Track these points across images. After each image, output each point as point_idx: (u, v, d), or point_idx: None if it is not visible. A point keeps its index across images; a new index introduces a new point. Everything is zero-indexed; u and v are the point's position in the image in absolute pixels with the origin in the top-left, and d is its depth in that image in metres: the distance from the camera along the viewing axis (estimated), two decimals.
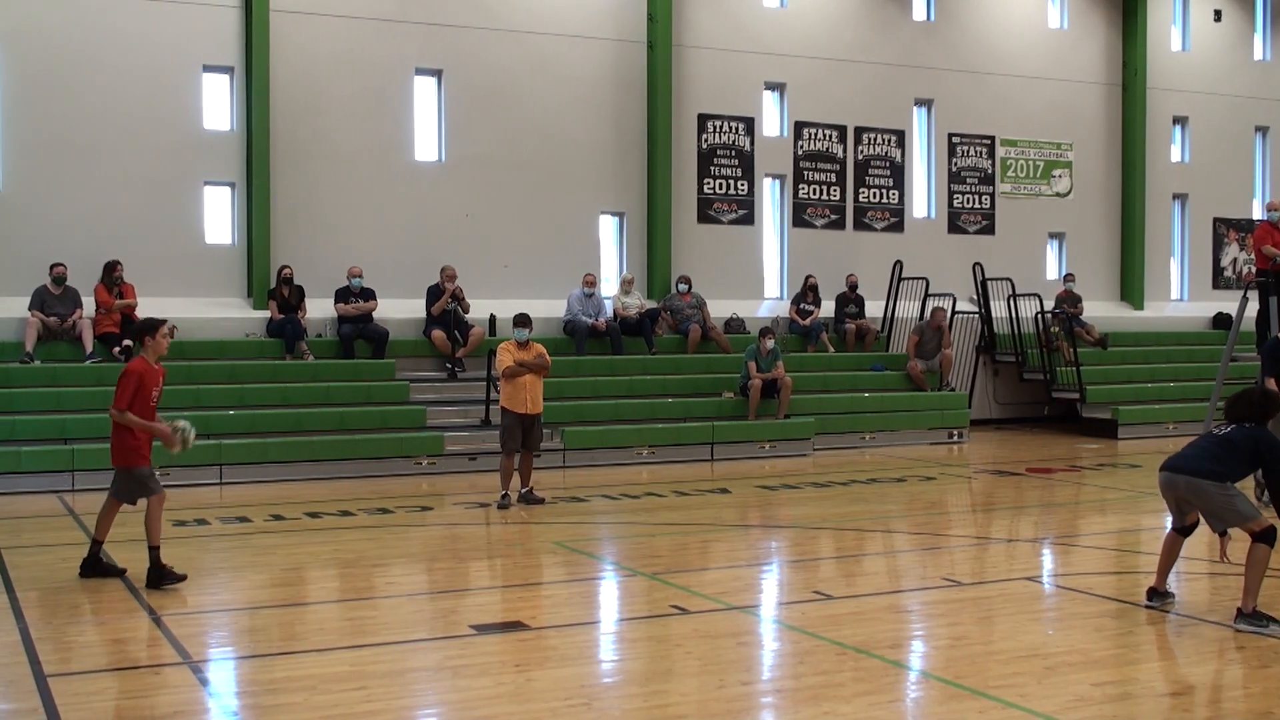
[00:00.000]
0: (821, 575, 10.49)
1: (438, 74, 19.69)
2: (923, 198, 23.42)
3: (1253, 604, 8.27)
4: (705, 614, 8.70)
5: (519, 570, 10.52)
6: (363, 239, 19.00)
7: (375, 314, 18.29)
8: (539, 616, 8.70)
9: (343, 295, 18.20)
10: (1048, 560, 11.34)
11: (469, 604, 8.91)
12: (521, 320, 13.85)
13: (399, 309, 18.68)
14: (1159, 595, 8.87)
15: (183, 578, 9.37)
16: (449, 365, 18.13)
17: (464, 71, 19.74)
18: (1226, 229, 26.20)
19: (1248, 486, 10.83)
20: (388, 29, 19.23)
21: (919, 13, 23.33)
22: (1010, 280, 22.24)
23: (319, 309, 18.31)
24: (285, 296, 17.95)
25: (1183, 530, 8.86)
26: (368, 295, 18.28)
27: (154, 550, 9.37)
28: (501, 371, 13.50)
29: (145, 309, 16.97)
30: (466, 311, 18.41)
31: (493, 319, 18.53)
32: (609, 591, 9.88)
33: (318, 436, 16.16)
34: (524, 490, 13.60)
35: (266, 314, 18.01)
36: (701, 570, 10.50)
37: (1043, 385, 21.99)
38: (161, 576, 9.30)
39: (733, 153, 21.51)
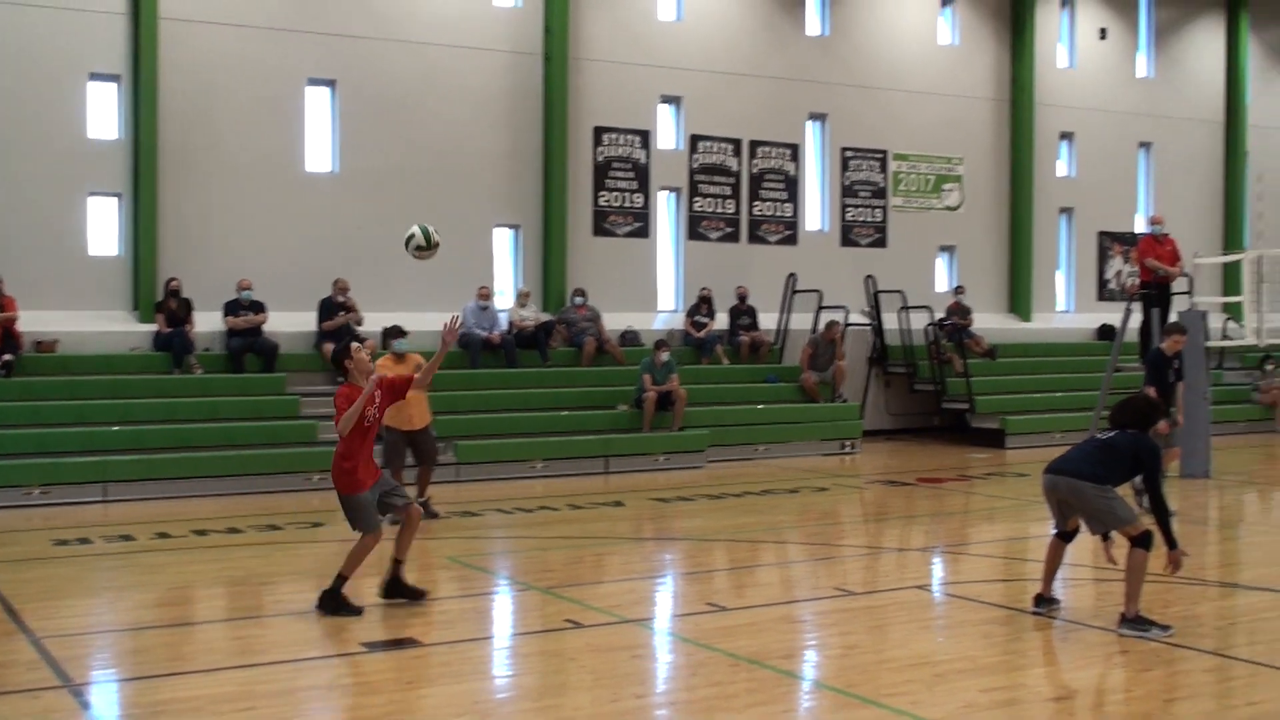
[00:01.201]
0: (715, 587, 10.52)
1: (331, 84, 19.48)
2: (816, 211, 23.64)
3: (1135, 609, 8.45)
4: (599, 628, 8.68)
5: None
6: (253, 251, 18.72)
7: (265, 327, 18.02)
8: (431, 633, 8.61)
9: (232, 308, 17.91)
10: (938, 569, 11.48)
11: (360, 621, 8.79)
12: (396, 332, 13.70)
13: (290, 322, 18.43)
14: (1045, 602, 9.02)
15: (359, 611, 8.94)
16: (340, 379, 17.86)
17: (358, 82, 19.55)
18: (1111, 242, 26.80)
19: (1127, 494, 11.06)
20: (280, 38, 18.99)
21: (813, 28, 23.57)
22: (902, 293, 22.54)
23: (207, 322, 17.99)
24: (173, 309, 17.62)
25: (1065, 535, 9.03)
26: (258, 308, 18.01)
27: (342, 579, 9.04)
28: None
29: (27, 322, 16.60)
30: (359, 324, 18.22)
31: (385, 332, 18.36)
32: (502, 606, 9.82)
33: (205, 452, 15.87)
34: (420, 502, 13.45)
35: (153, 327, 17.65)
36: (595, 584, 10.48)
37: (933, 396, 22.31)
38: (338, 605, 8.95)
39: (628, 165, 21.55)
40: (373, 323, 18.32)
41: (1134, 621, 8.42)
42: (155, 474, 15.25)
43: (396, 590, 9.27)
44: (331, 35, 19.29)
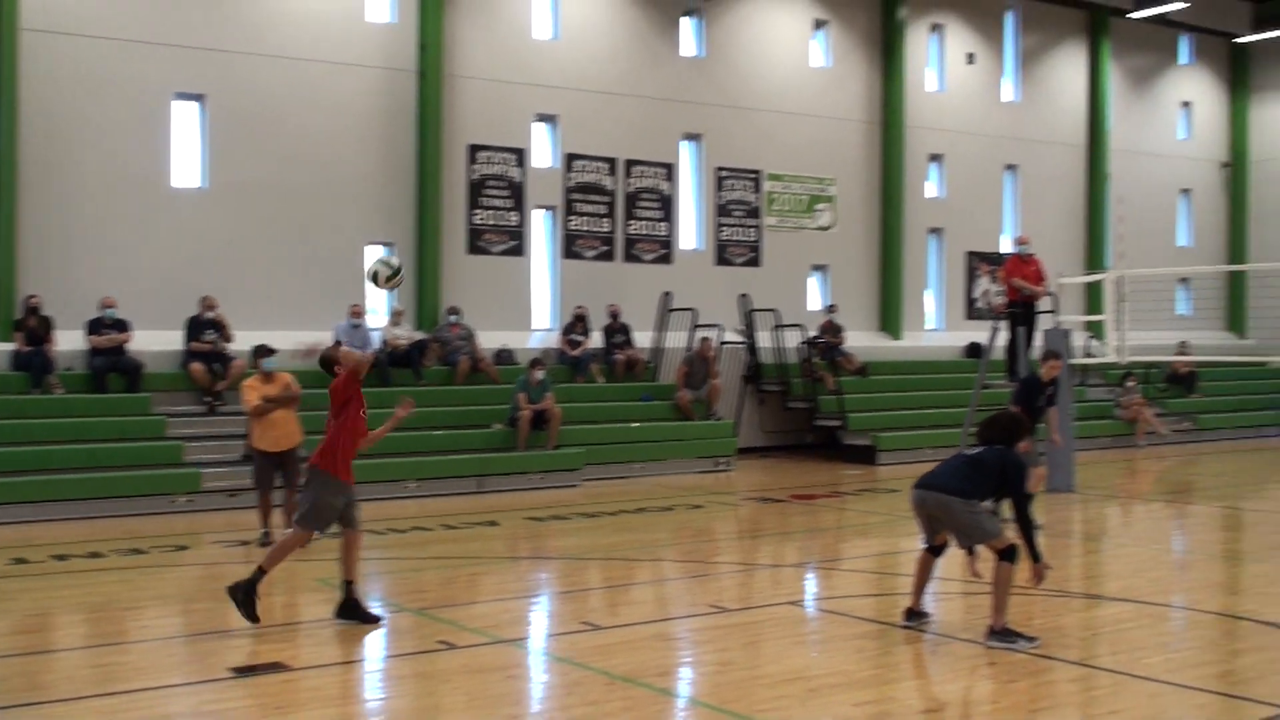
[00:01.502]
0: (590, 606, 10.48)
1: (200, 99, 19.10)
2: (691, 230, 23.77)
3: (1002, 621, 8.59)
4: (473, 648, 8.59)
5: (280, 609, 10.18)
6: (117, 267, 18.26)
7: (130, 346, 17.56)
8: (300, 656, 8.45)
9: (95, 326, 17.43)
10: (811, 584, 11.57)
11: (228, 646, 8.59)
12: (264, 351, 13.46)
13: (155, 340, 17.96)
14: (915, 615, 9.13)
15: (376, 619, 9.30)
16: (207, 399, 17.54)
17: (228, 97, 19.20)
18: (978, 262, 27.35)
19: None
20: (146, 51, 18.57)
21: (688, 49, 23.73)
22: (775, 311, 22.75)
23: (69, 341, 17.47)
24: (32, 327, 17.09)
25: (934, 549, 9.15)
26: (122, 326, 17.54)
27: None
28: (250, 410, 13.01)
29: None
30: (229, 342, 17.87)
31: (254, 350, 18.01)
32: (374, 629, 9.66)
33: (67, 475, 15.41)
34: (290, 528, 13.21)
35: (12, 346, 17.11)
36: (469, 604, 10.37)
37: (806, 413, 22.53)
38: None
39: (504, 184, 21.47)
40: (243, 341, 17.95)
41: (1001, 634, 8.56)
42: (13, 498, 14.77)
43: (351, 612, 9.29)
44: (201, 49, 18.92)
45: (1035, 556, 8.67)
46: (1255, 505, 16.20)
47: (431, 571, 11.73)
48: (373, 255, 20.54)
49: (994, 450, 8.88)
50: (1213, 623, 9.68)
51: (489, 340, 20.49)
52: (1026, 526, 8.67)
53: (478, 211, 21.24)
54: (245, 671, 7.95)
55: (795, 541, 14.08)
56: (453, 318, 20.00)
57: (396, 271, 9.71)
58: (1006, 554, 8.58)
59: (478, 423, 18.67)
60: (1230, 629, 9.40)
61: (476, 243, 21.25)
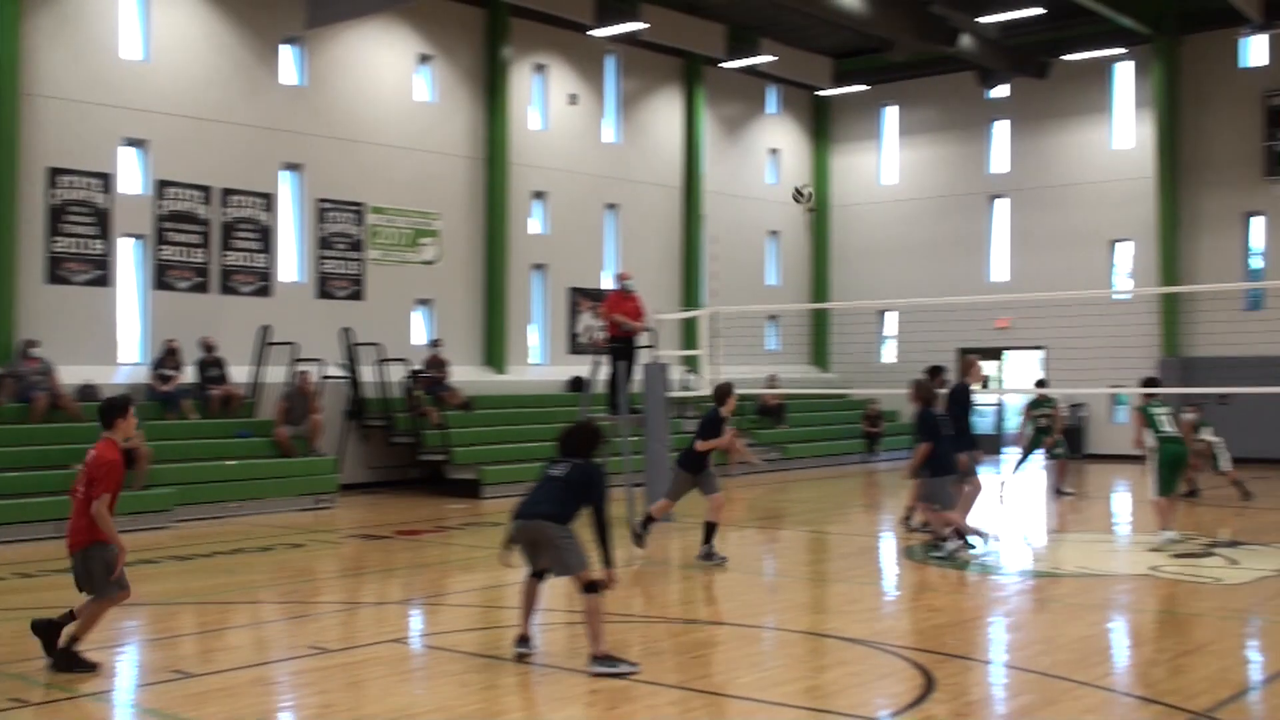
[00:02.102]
0: (182, 652, 9.91)
1: None
2: (292, 262, 23.15)
3: (602, 648, 8.72)
4: (49, 704, 7.96)
5: None
6: None
7: None
8: None
9: None
10: (416, 621, 11.39)
11: None
12: None
13: None
14: (525, 641, 9.12)
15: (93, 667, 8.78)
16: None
17: None
18: (581, 298, 27.89)
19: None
20: None
21: (288, 77, 23.15)
22: (379, 345, 22.43)
23: None
24: None
25: (538, 574, 9.19)
26: None
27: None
28: None
29: None
30: None
31: None
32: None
33: None
34: None
35: None
36: (43, 656, 9.60)
37: (411, 448, 22.29)
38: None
39: (88, 210, 20.25)
40: None
41: (603, 659, 8.68)
42: None
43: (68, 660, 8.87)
44: None
45: (609, 562, 8.97)
46: (838, 529, 17.13)
47: (5, 624, 10.81)
48: None
49: (577, 466, 9.08)
50: (800, 641, 10.12)
51: (71, 375, 19.22)
52: (603, 532, 8.96)
53: (58, 239, 19.93)
54: None
55: (399, 578, 13.84)
56: (29, 351, 18.65)
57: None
58: (590, 588, 8.80)
59: (58, 463, 17.41)
60: (816, 646, 9.85)
61: (56, 271, 19.92)
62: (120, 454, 8.99)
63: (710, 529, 13.69)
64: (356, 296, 23.77)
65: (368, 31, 24.09)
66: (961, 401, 14.86)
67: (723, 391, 14.15)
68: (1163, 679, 8.57)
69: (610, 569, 8.98)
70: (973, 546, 14.05)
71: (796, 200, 18.16)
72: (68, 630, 8.91)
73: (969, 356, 15.79)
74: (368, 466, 22.73)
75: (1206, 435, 19.72)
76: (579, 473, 9.05)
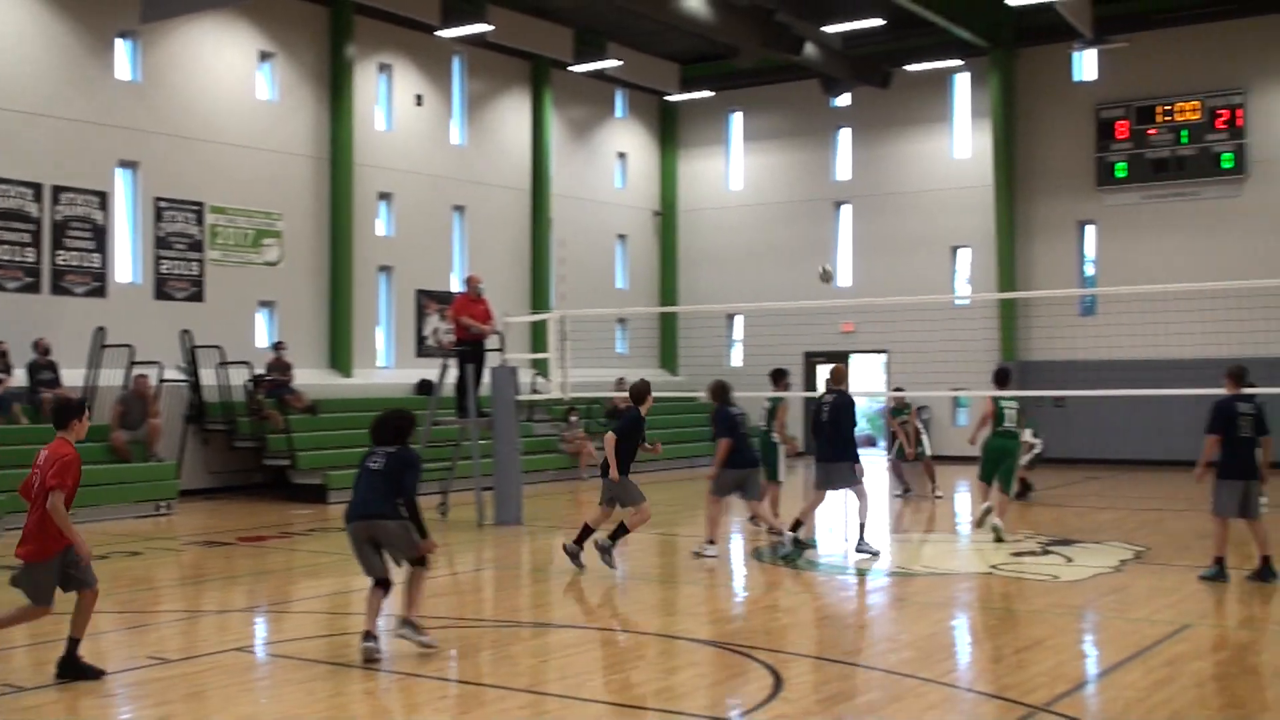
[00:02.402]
0: (13, 665, 9.52)
1: None
2: (127, 262, 22.49)
3: (412, 614, 9.32)
4: None
5: None
6: None
7: None
8: None
9: None
10: (260, 629, 11.14)
11: None
12: None
13: None
14: (372, 637, 9.18)
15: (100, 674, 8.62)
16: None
17: None
18: (428, 300, 27.62)
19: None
20: None
21: (122, 72, 22.49)
22: (220, 348, 21.92)
23: None
24: None
25: (382, 583, 9.36)
26: None
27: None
28: None
29: None
30: None
31: None
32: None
33: None
34: None
35: None
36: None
37: (254, 453, 21.83)
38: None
39: None
40: None
41: (410, 625, 9.28)
42: None
43: (73, 669, 8.65)
44: None
45: (424, 533, 9.33)
46: (689, 531, 17.19)
47: None
48: None
49: (392, 455, 9.41)
50: (651, 643, 10.13)
51: None
52: (413, 509, 9.31)
53: None
54: None
55: (242, 585, 13.53)
56: None
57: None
58: (421, 562, 9.39)
59: None
60: (666, 648, 9.87)
61: None
62: (76, 452, 8.85)
63: (621, 530, 13.36)
64: (196, 298, 23.18)
65: (206, 27, 23.51)
66: (849, 410, 14.68)
67: (642, 390, 13.90)
68: (1003, 674, 8.78)
69: (427, 539, 9.34)
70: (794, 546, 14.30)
71: (824, 280, 18.56)
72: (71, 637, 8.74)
73: (839, 366, 15.68)
74: (209, 472, 22.18)
75: (1027, 435, 20.33)
76: (396, 461, 9.36)
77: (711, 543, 14.30)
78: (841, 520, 17.69)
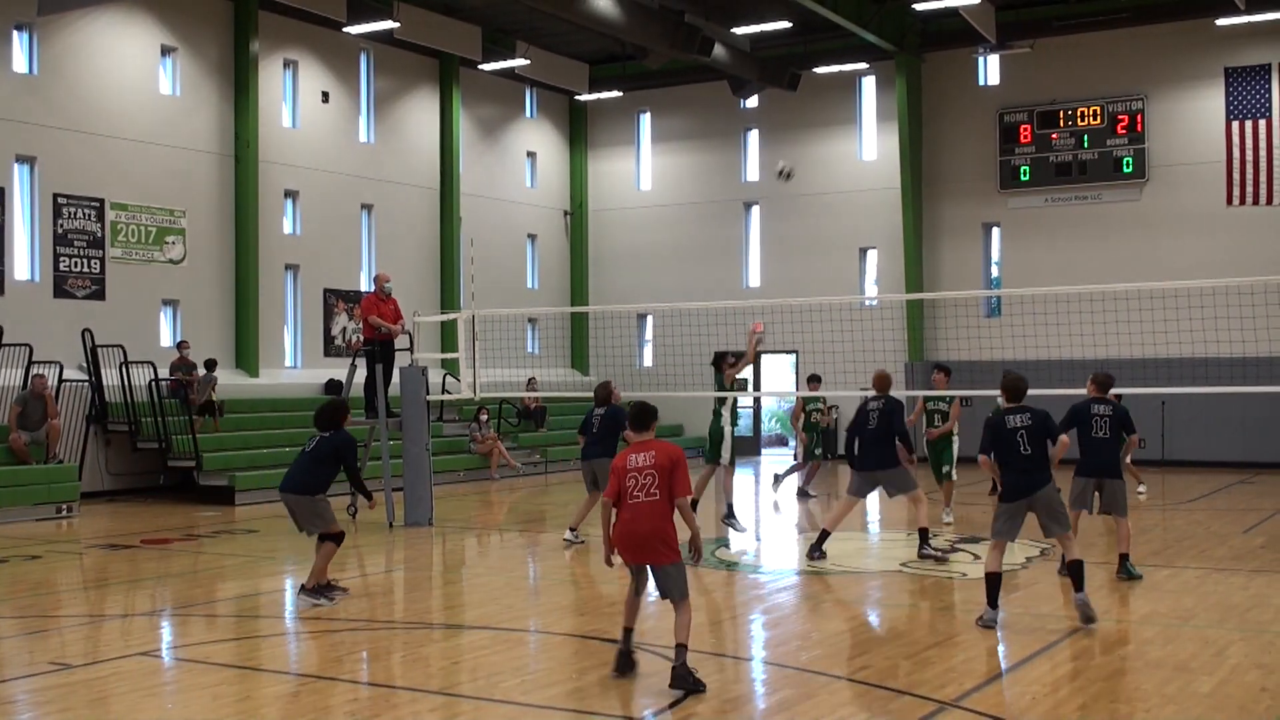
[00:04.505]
0: None
1: None
2: (25, 260, 21.99)
3: (316, 581, 10.78)
4: None
5: None
6: None
7: None
8: None
9: None
10: (166, 633, 10.94)
11: None
12: None
13: None
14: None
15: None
16: None
17: None
18: (336, 299, 27.34)
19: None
20: None
21: (19, 65, 21.99)
22: (122, 347, 21.51)
23: None
24: None
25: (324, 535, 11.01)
26: None
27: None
28: None
29: None
30: None
31: None
32: None
33: None
34: None
35: None
36: None
37: (158, 454, 21.45)
38: None
39: None
40: None
41: (313, 591, 10.67)
42: None
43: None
44: None
45: (368, 496, 11.55)
46: (600, 531, 17.22)
47: None
48: None
49: (324, 440, 10.90)
50: (563, 643, 10.11)
51: None
52: (356, 480, 11.41)
53: None
54: None
55: (147, 589, 13.28)
56: None
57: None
58: (334, 537, 10.88)
59: None
60: (579, 648, 9.84)
61: None
62: None
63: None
64: (98, 296, 22.73)
65: (106, 20, 23.07)
66: (899, 415, 14.00)
67: (605, 392, 14.84)
68: (912, 671, 8.86)
69: (369, 498, 11.57)
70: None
71: (782, 176, 18.50)
72: None
73: (882, 371, 15.07)
74: (111, 473, 21.77)
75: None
76: (326, 445, 10.89)
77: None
78: (752, 518, 17.78)
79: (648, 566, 8.52)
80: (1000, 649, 9.82)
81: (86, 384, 21.38)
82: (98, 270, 22.77)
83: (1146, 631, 10.02)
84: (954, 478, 17.39)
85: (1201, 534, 16.20)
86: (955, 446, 17.37)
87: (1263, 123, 26.79)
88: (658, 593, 8.57)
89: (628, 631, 8.65)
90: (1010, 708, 7.94)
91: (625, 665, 8.58)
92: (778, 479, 22.07)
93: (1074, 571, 10.29)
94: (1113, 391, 12.87)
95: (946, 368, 18.02)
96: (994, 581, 10.17)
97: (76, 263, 22.45)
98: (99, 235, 22.82)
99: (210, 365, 22.93)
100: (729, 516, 16.20)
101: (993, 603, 10.13)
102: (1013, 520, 10.33)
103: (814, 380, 21.64)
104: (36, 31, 22.10)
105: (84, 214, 22.62)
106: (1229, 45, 27.19)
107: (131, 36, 23.60)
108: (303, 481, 10.93)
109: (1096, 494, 12.25)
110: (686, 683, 8.10)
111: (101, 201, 22.90)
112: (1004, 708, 7.95)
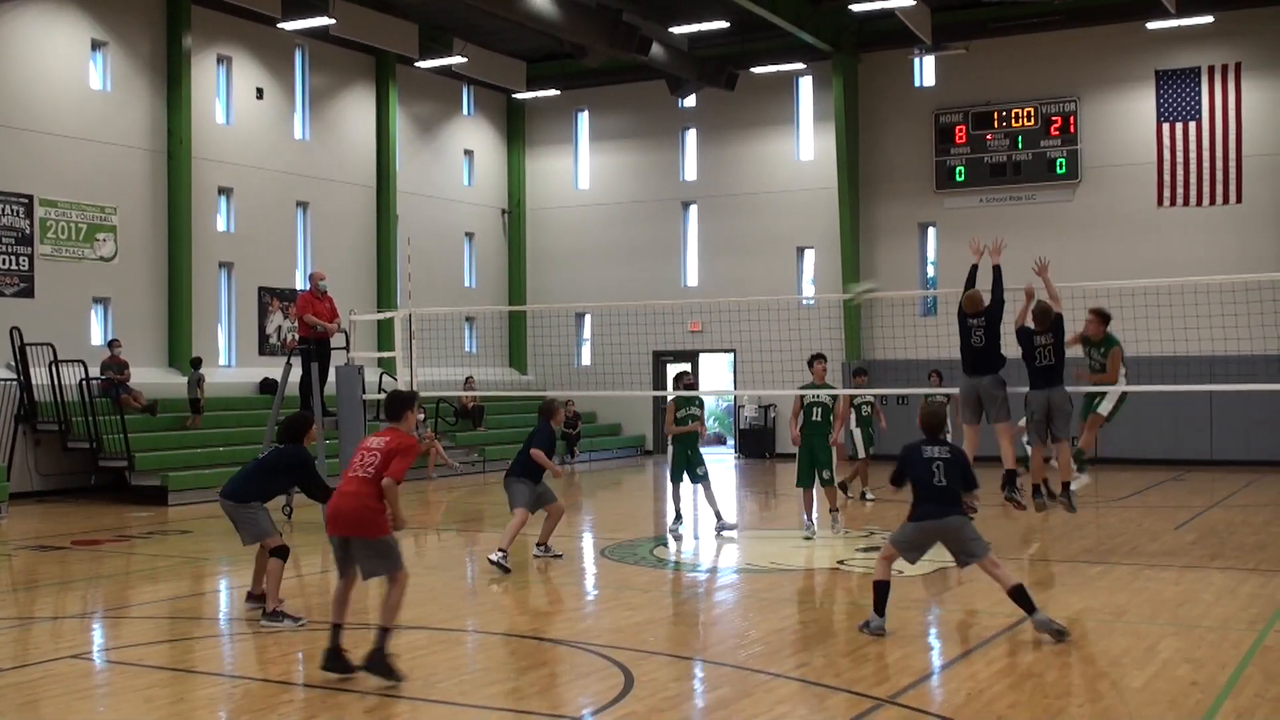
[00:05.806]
0: None
1: None
2: None
3: (273, 605, 10.24)
4: None
5: None
6: None
7: None
8: None
9: None
10: (97, 635, 10.79)
11: None
12: None
13: None
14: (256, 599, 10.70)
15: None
16: None
17: None
18: (271, 298, 27.09)
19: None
20: None
21: None
22: (52, 346, 21.20)
23: None
24: None
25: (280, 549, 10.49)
26: None
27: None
28: None
29: None
30: None
31: None
32: None
33: None
34: None
35: None
36: None
37: (89, 454, 21.16)
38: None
39: None
40: None
41: (272, 615, 10.18)
42: None
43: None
44: None
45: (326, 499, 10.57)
46: (537, 531, 17.16)
47: None
48: None
49: (275, 451, 10.76)
50: (501, 643, 10.08)
51: None
52: (319, 493, 10.51)
53: None
54: None
55: (77, 591, 13.09)
56: None
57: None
58: (278, 552, 10.42)
59: None
60: (517, 648, 9.82)
61: None
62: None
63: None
64: (26, 294, 22.38)
65: (33, 13, 22.72)
66: None
67: (542, 407, 14.24)
68: (850, 668, 8.91)
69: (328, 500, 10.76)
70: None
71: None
72: None
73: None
74: (40, 473, 21.45)
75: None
76: (273, 457, 10.74)
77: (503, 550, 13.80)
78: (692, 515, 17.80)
79: (351, 544, 8.56)
80: (936, 646, 9.90)
81: (15, 383, 21.05)
82: (26, 268, 22.41)
83: (1079, 627, 10.13)
84: (835, 484, 16.33)
85: (1134, 531, 16.42)
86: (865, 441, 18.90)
87: (1193, 125, 27.21)
88: (362, 575, 8.66)
89: (336, 628, 8.56)
90: (945, 704, 8.01)
91: (336, 663, 8.46)
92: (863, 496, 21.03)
93: (1019, 599, 9.61)
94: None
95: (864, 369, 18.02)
96: (882, 590, 9.88)
97: (4, 260, 22.08)
98: (27, 232, 22.47)
99: (196, 363, 22.83)
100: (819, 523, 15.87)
101: (879, 610, 9.84)
102: (918, 548, 9.92)
103: (860, 374, 20.55)
104: None
105: (12, 210, 22.26)
106: (1160, 48, 27.58)
107: (61, 30, 23.26)
108: (236, 488, 10.62)
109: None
110: (381, 670, 8.15)
111: (30, 198, 22.54)
112: (941, 704, 8.02)
